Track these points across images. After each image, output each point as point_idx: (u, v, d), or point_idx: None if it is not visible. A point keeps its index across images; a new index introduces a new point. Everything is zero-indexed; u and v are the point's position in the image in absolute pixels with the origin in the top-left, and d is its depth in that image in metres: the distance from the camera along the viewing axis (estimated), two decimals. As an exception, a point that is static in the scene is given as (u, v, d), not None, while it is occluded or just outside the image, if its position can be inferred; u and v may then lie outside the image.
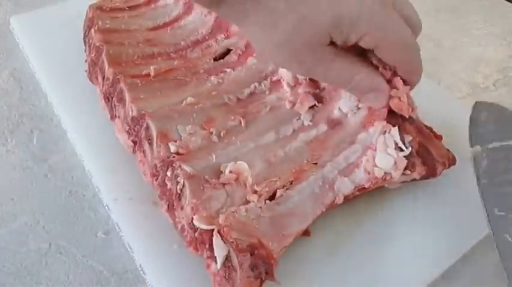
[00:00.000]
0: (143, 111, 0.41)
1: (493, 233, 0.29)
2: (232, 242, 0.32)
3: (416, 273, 0.37)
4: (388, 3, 0.34)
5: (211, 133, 0.40)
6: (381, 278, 0.36)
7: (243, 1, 0.33)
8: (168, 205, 0.37)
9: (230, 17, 0.35)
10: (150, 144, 0.40)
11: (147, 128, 0.40)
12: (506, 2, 0.71)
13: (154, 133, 0.39)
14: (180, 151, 0.38)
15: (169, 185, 0.37)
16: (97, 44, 0.48)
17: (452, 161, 0.41)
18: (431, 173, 0.39)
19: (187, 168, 0.37)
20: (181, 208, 0.36)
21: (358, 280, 0.36)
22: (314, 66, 0.35)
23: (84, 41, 0.52)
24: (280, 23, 0.33)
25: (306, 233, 0.37)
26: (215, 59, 0.48)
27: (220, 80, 0.45)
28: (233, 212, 0.35)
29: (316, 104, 0.43)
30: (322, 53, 0.34)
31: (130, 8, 0.54)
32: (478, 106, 0.38)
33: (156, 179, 0.39)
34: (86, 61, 0.50)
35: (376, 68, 0.37)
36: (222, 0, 0.33)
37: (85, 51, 0.51)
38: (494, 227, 0.29)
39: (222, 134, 0.41)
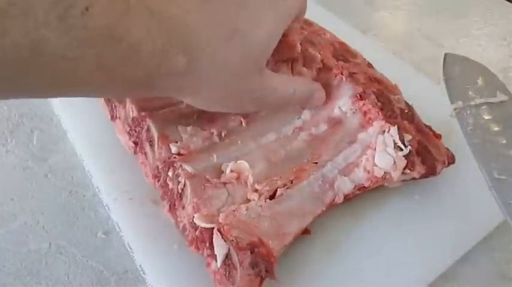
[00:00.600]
0: (144, 113, 0.41)
1: (498, 197, 0.26)
2: (233, 240, 0.32)
3: (416, 273, 0.37)
4: None
5: (212, 134, 0.40)
6: (381, 278, 0.36)
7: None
8: (170, 205, 0.37)
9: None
10: (151, 146, 0.40)
11: (148, 129, 0.40)
12: (506, 2, 0.71)
13: (155, 135, 0.39)
14: (182, 151, 0.38)
15: (170, 185, 0.37)
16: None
17: (451, 160, 0.41)
18: (431, 172, 0.39)
19: (188, 168, 0.37)
20: (183, 207, 0.36)
21: (358, 280, 0.36)
22: (263, 94, 0.35)
23: (84, 41, 0.52)
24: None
25: (306, 232, 0.37)
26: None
27: (221, 79, 0.45)
28: (234, 210, 0.35)
29: (316, 103, 0.43)
30: (265, 78, 0.35)
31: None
32: (448, 59, 0.34)
33: (158, 181, 0.39)
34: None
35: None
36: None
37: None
38: (497, 190, 0.26)
39: (223, 135, 0.41)
